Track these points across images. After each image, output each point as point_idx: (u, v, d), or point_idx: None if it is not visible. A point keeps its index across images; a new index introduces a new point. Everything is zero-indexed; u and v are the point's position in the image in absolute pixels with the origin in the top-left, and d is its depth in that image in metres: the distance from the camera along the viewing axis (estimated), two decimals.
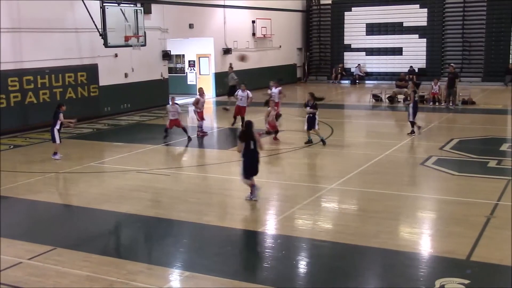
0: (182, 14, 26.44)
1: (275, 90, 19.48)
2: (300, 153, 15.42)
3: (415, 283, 7.21)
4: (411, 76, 30.78)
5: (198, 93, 18.55)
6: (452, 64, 25.89)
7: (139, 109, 23.82)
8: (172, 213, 10.28)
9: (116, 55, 22.42)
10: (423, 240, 8.90)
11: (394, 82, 29.75)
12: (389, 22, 35.05)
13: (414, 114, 17.24)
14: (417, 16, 34.40)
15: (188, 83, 30.15)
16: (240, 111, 19.01)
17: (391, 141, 16.39)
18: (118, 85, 22.87)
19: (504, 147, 15.45)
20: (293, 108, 23.35)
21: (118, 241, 9.64)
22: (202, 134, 18.02)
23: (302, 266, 7.97)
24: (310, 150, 15.65)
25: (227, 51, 29.62)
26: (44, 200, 11.37)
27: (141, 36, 20.47)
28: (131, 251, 8.67)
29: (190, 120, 20.69)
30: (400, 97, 25.21)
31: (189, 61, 30.35)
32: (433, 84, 24.98)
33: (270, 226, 9.61)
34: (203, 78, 29.56)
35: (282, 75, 32.61)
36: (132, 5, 20.44)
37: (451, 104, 23.77)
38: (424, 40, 34.38)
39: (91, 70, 21.57)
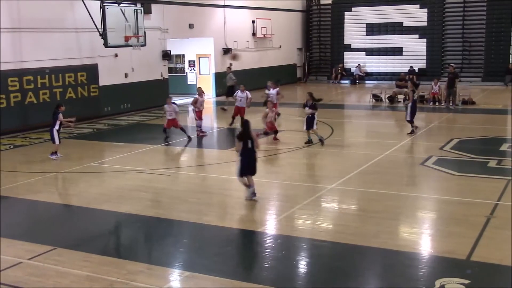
0: (182, 14, 26.45)
1: (273, 92, 19.50)
2: (300, 153, 15.42)
3: (415, 283, 7.21)
4: (411, 76, 30.78)
5: (197, 93, 18.57)
6: (452, 64, 25.90)
7: (139, 109, 23.82)
8: (172, 213, 10.28)
9: (116, 55, 22.42)
10: (423, 240, 8.90)
11: (394, 82, 29.74)
12: (389, 22, 35.06)
13: (412, 114, 17.24)
14: (417, 16, 34.41)
15: (188, 83, 30.15)
16: (239, 111, 19.00)
17: (391, 141, 16.39)
18: (118, 85, 22.88)
19: (504, 147, 15.45)
20: (293, 108, 23.36)
21: (118, 241, 9.64)
22: (201, 134, 18.01)
23: (302, 266, 7.97)
24: (310, 150, 15.65)
25: (227, 51, 29.64)
26: (44, 200, 11.37)
27: (141, 36, 20.47)
28: (131, 251, 8.67)
29: (190, 120, 20.69)
30: (400, 97, 25.21)
31: (189, 61, 30.35)
32: (433, 84, 24.99)
33: (270, 226, 9.61)
34: (203, 78, 29.56)
35: (282, 75, 32.66)
36: (132, 5, 20.44)
37: (451, 104, 23.77)
38: (424, 40, 34.39)
39: (91, 70, 21.58)
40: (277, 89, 19.77)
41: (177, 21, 26.17)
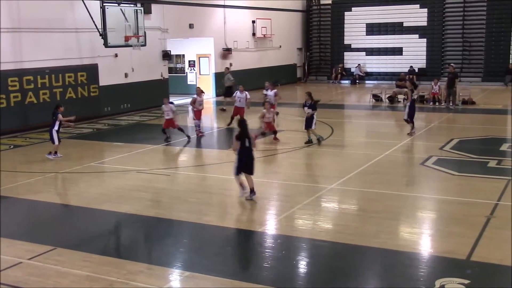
0: (182, 14, 26.45)
1: (271, 93, 19.51)
2: (300, 153, 15.42)
3: (415, 283, 7.20)
4: (410, 76, 30.79)
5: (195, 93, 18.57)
6: (452, 64, 25.90)
7: (139, 109, 23.82)
8: (172, 213, 10.28)
9: (116, 55, 22.42)
10: (423, 240, 8.90)
11: (394, 82, 29.74)
12: (389, 22, 35.06)
13: (410, 114, 17.23)
14: (417, 16, 34.42)
15: (188, 83, 30.14)
16: (238, 112, 18.98)
17: (391, 141, 16.39)
18: (118, 85, 22.88)
19: (504, 147, 15.45)
20: (292, 108, 23.36)
21: (118, 241, 9.64)
22: (200, 134, 18.00)
23: (302, 266, 7.98)
24: (310, 150, 15.65)
25: (227, 51, 29.63)
26: (44, 200, 11.37)
27: (141, 36, 20.46)
28: (131, 251, 8.67)
29: (191, 120, 20.67)
30: (400, 97, 25.23)
31: (189, 61, 30.36)
32: (433, 84, 24.99)
33: (270, 226, 9.61)
34: (203, 78, 29.57)
35: (282, 75, 32.69)
36: (132, 5, 20.43)
37: (451, 104, 23.76)
38: (424, 40, 34.40)
39: (91, 70, 21.58)
40: (275, 90, 19.77)
41: (177, 21, 26.17)
